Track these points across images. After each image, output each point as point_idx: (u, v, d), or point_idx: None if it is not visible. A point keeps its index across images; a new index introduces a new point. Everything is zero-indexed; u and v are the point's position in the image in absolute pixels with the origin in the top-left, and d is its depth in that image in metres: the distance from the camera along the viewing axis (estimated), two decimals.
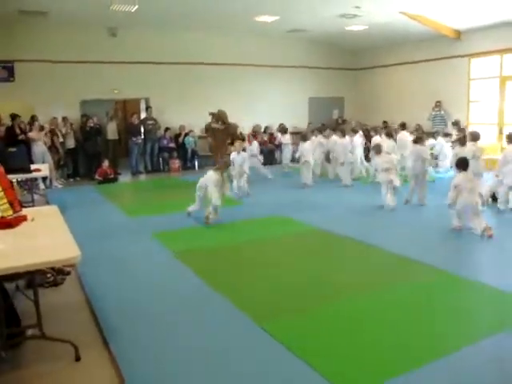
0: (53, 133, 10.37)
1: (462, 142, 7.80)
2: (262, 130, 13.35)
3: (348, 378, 2.78)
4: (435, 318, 3.52)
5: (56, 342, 3.11)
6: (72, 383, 2.83)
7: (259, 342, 3.21)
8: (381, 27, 11.73)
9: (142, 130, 11.89)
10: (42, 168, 7.08)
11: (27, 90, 10.58)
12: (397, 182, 7.06)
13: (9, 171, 4.48)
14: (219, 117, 9.68)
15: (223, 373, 2.86)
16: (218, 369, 2.90)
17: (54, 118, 10.72)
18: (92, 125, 10.98)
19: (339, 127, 10.54)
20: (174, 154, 12.18)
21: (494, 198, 7.16)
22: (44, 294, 3.88)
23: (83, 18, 10.30)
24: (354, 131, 10.03)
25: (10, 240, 2.99)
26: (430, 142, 8.92)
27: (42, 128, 9.97)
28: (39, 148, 9.68)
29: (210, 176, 6.45)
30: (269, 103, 13.65)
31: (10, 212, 3.37)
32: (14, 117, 9.80)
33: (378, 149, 7.32)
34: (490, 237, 5.47)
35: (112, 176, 10.76)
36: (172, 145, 12.23)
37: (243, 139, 10.47)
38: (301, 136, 9.73)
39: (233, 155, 8.50)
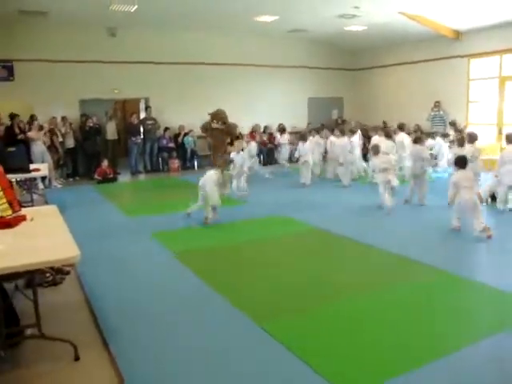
0: (52, 132, 10.35)
1: (460, 142, 7.82)
2: (262, 129, 13.35)
3: (348, 378, 2.78)
4: (435, 318, 3.52)
5: (55, 342, 3.11)
6: (71, 383, 2.82)
7: (259, 342, 3.20)
8: (380, 27, 11.73)
9: (142, 129, 11.88)
10: (42, 168, 7.06)
11: (27, 90, 10.57)
12: (394, 182, 7.06)
13: (8, 171, 4.48)
14: (219, 116, 9.64)
15: (223, 373, 2.85)
16: (217, 369, 2.89)
17: (54, 117, 10.71)
18: (91, 124, 10.97)
19: (337, 127, 10.53)
20: (173, 154, 12.18)
21: (494, 197, 7.17)
22: (43, 294, 3.88)
23: (83, 18, 10.29)
24: (352, 131, 10.03)
25: (9, 240, 2.98)
26: (429, 142, 8.91)
27: (41, 127, 9.95)
28: (38, 148, 9.66)
29: (210, 176, 6.43)
30: (268, 103, 13.66)
31: (10, 212, 3.37)
32: (13, 116, 9.79)
33: (376, 149, 7.33)
34: (490, 237, 5.47)
35: (111, 176, 10.75)
36: (171, 145, 12.22)
37: (242, 139, 10.46)
38: (300, 136, 9.74)
39: (232, 155, 8.50)
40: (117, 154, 11.90)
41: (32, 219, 3.43)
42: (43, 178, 9.19)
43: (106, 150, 11.44)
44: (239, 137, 10.26)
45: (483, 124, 11.91)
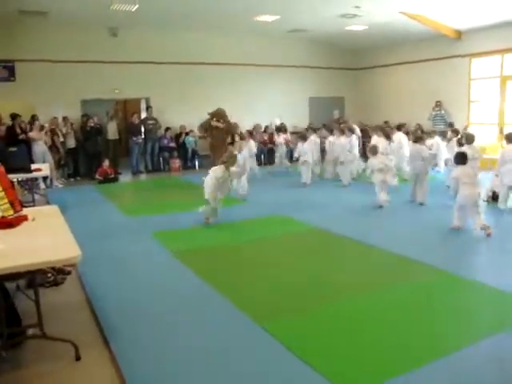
0: (53, 132, 10.37)
1: (459, 143, 7.85)
2: (263, 129, 13.35)
3: (348, 377, 2.78)
4: (435, 318, 3.52)
5: (56, 342, 3.12)
6: (72, 383, 2.83)
7: (259, 342, 3.21)
8: (381, 27, 11.74)
9: (143, 129, 11.90)
10: (43, 168, 7.08)
11: (28, 90, 10.59)
12: (393, 182, 7.09)
13: (9, 171, 4.49)
14: (219, 114, 9.64)
15: (223, 373, 2.86)
16: (217, 369, 2.90)
17: (55, 117, 10.73)
18: (92, 124, 10.98)
19: (336, 126, 10.52)
20: (174, 154, 12.20)
21: (494, 197, 7.17)
22: (44, 294, 3.89)
23: (83, 18, 10.31)
24: (351, 131, 10.02)
25: (10, 240, 2.99)
26: (429, 141, 8.91)
27: (42, 128, 9.97)
28: (40, 148, 9.69)
29: (214, 170, 6.35)
30: (269, 103, 13.67)
31: (11, 212, 3.38)
32: (14, 116, 9.80)
33: (374, 150, 7.36)
34: (489, 236, 5.48)
35: (112, 176, 10.76)
36: (172, 144, 12.24)
37: (242, 138, 10.45)
38: (300, 136, 9.74)
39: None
40: (118, 154, 11.92)
41: (33, 219, 3.45)
42: (44, 178, 9.22)
43: (107, 150, 11.46)
44: (240, 136, 10.27)
45: (484, 123, 11.92)
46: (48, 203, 7.40)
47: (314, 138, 10.10)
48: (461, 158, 5.76)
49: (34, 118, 10.08)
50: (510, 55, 11.15)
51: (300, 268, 4.73)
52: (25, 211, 3.61)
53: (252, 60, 13.25)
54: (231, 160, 6.49)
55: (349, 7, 9.99)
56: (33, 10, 9.38)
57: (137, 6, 8.61)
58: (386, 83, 14.48)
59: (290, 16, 10.85)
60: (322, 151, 10.40)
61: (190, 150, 12.39)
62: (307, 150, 9.28)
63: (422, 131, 10.56)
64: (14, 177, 5.78)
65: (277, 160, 11.68)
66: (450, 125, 10.68)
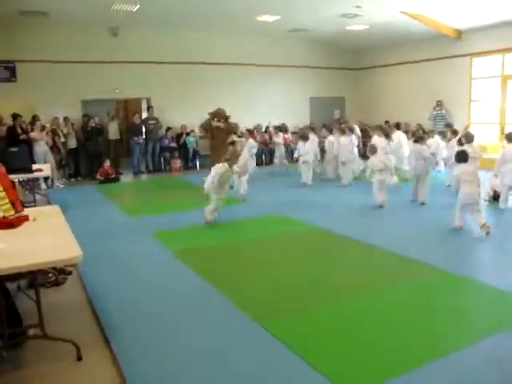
0: (54, 133, 10.38)
1: (460, 142, 7.86)
2: (263, 129, 13.35)
3: (348, 377, 2.79)
4: (435, 318, 3.53)
5: (58, 342, 3.13)
6: (74, 383, 2.84)
7: (259, 342, 3.22)
8: (381, 27, 11.73)
9: (144, 129, 11.90)
10: (44, 168, 7.09)
11: (29, 90, 10.60)
12: (392, 181, 7.10)
13: (10, 171, 4.51)
14: (220, 114, 9.64)
15: (223, 372, 2.87)
16: (217, 368, 2.91)
17: (56, 117, 10.74)
18: (93, 125, 10.99)
19: (336, 126, 10.52)
20: (175, 154, 12.20)
21: (495, 197, 7.17)
22: (46, 294, 3.90)
23: (84, 18, 10.32)
24: (352, 130, 10.02)
25: (11, 240, 3.00)
26: (429, 141, 8.92)
27: (43, 128, 9.98)
28: (41, 148, 9.70)
29: (217, 168, 6.30)
30: (270, 103, 13.66)
31: (12, 212, 3.39)
32: (15, 117, 9.82)
33: (374, 149, 7.38)
34: (488, 234, 5.49)
35: (113, 176, 10.77)
36: (173, 144, 12.24)
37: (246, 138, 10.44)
38: (300, 135, 9.72)
39: None
40: (119, 154, 11.93)
41: (34, 219, 3.46)
42: (46, 179, 9.23)
43: (108, 150, 11.47)
44: (241, 135, 10.27)
45: (485, 123, 11.91)
46: (49, 203, 7.42)
47: (312, 137, 10.09)
48: (462, 156, 5.77)
49: (35, 119, 10.08)
50: (511, 54, 11.13)
51: (300, 268, 4.73)
52: (26, 211, 3.62)
53: (252, 60, 13.25)
54: (234, 157, 6.47)
55: (349, 7, 9.99)
56: (33, 10, 9.38)
57: (138, 6, 8.61)
58: (386, 83, 14.48)
59: (291, 16, 10.85)
60: (322, 151, 10.40)
61: (190, 150, 12.40)
62: (308, 149, 9.28)
63: (424, 131, 10.55)
64: (15, 177, 5.79)
65: (276, 160, 11.65)
66: (448, 125, 10.67)
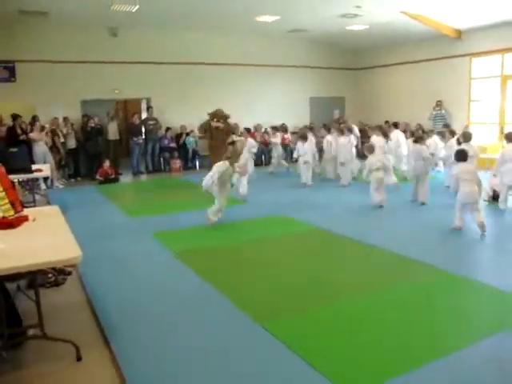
0: (54, 133, 10.38)
1: (459, 142, 7.87)
2: (263, 129, 13.34)
3: (348, 377, 2.79)
4: (435, 318, 3.53)
5: (57, 342, 3.13)
6: (73, 383, 2.84)
7: (259, 342, 3.22)
8: (381, 27, 11.73)
9: (143, 130, 11.90)
10: (44, 168, 7.08)
11: (28, 91, 10.60)
12: (390, 181, 7.10)
13: (10, 171, 4.50)
14: (219, 114, 9.63)
15: (223, 372, 2.87)
16: (218, 368, 2.91)
17: (55, 118, 10.74)
18: (93, 125, 10.99)
19: (335, 126, 10.52)
20: (174, 154, 12.20)
21: (495, 197, 7.17)
22: (45, 294, 3.90)
23: (84, 18, 10.32)
24: (350, 131, 10.03)
25: (11, 240, 3.00)
26: (428, 141, 8.92)
27: (42, 128, 9.98)
28: (40, 148, 9.69)
29: (218, 166, 6.23)
30: (270, 103, 13.67)
31: (12, 212, 3.39)
32: (15, 117, 9.82)
33: (371, 148, 7.38)
34: (483, 236, 5.51)
35: (113, 176, 10.77)
36: (173, 145, 12.24)
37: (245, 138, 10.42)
38: (300, 135, 9.72)
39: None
40: (118, 155, 11.93)
41: (34, 220, 3.45)
42: (45, 179, 9.23)
43: (107, 150, 11.47)
44: (241, 135, 10.26)
45: (485, 123, 11.91)
46: (49, 204, 7.41)
47: (309, 138, 10.09)
48: (461, 155, 5.78)
49: (34, 119, 10.08)
50: (511, 55, 11.14)
51: (300, 268, 4.73)
52: (25, 212, 3.62)
53: (252, 60, 13.26)
54: (235, 156, 6.44)
55: (349, 7, 9.99)
56: (33, 10, 9.38)
57: (137, 6, 8.61)
58: (386, 83, 14.48)
59: (291, 16, 10.85)
60: (320, 150, 10.40)
61: (190, 151, 12.40)
62: (307, 149, 9.27)
63: (423, 131, 10.55)
64: (15, 177, 5.79)
65: (274, 160, 11.55)
66: (446, 125, 10.69)
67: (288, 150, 12.47)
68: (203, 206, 6.68)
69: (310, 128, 11.69)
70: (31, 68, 10.68)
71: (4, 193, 3.40)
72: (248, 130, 12.01)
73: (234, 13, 10.29)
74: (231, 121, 10.11)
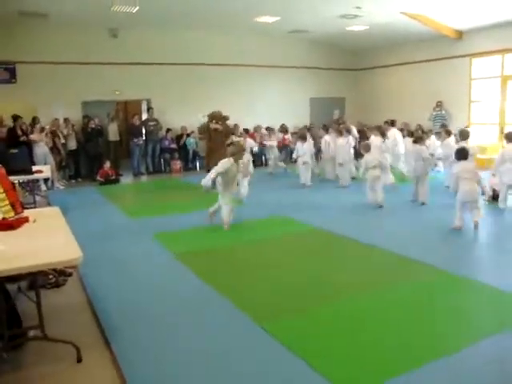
0: (54, 134, 10.39)
1: (458, 141, 7.89)
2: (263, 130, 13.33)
3: (348, 377, 2.79)
4: (436, 318, 3.53)
5: (58, 343, 3.13)
6: None
7: (260, 343, 3.22)
8: (381, 27, 11.74)
9: (144, 131, 11.91)
10: (44, 169, 7.09)
11: (29, 92, 10.61)
12: (388, 181, 7.11)
13: (10, 173, 4.51)
14: (218, 116, 9.63)
15: (223, 374, 2.87)
16: (218, 370, 2.91)
17: (56, 119, 10.75)
18: (93, 126, 11.01)
19: (334, 127, 10.52)
20: (175, 155, 12.20)
21: (495, 197, 7.17)
22: (46, 296, 3.90)
23: (84, 19, 10.33)
24: (348, 131, 10.03)
25: (11, 241, 3.00)
26: (428, 141, 8.94)
27: (43, 129, 9.99)
28: (41, 149, 9.71)
29: (223, 163, 6.07)
30: (270, 103, 13.67)
31: (12, 213, 3.39)
32: (15, 118, 9.83)
33: (367, 147, 7.39)
34: (476, 225, 5.60)
35: (113, 177, 10.78)
36: (173, 146, 12.25)
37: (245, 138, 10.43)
38: (299, 136, 9.72)
39: None
40: (119, 156, 11.95)
41: (34, 221, 3.46)
42: (46, 180, 9.23)
43: (108, 151, 11.48)
44: (241, 136, 10.27)
45: (485, 123, 11.91)
46: (49, 205, 7.41)
47: (308, 138, 10.10)
48: (462, 154, 5.78)
49: (35, 121, 10.09)
50: (511, 55, 11.14)
51: (301, 268, 4.73)
52: (26, 213, 3.63)
53: (252, 60, 13.26)
54: (240, 152, 6.35)
55: (349, 8, 10.00)
56: (32, 11, 9.38)
57: (137, 7, 8.62)
58: (386, 84, 14.48)
59: (291, 16, 10.86)
60: (318, 151, 10.40)
61: (191, 152, 12.40)
62: (306, 150, 9.27)
63: (423, 131, 10.55)
64: (15, 178, 5.79)
65: (271, 162, 11.49)
66: (443, 125, 10.70)
67: (288, 150, 12.46)
68: (203, 207, 6.68)
69: (308, 128, 11.68)
70: (32, 69, 10.69)
71: (4, 194, 3.41)
72: (247, 130, 12.02)
73: (234, 12, 10.27)
74: (231, 122, 10.12)
